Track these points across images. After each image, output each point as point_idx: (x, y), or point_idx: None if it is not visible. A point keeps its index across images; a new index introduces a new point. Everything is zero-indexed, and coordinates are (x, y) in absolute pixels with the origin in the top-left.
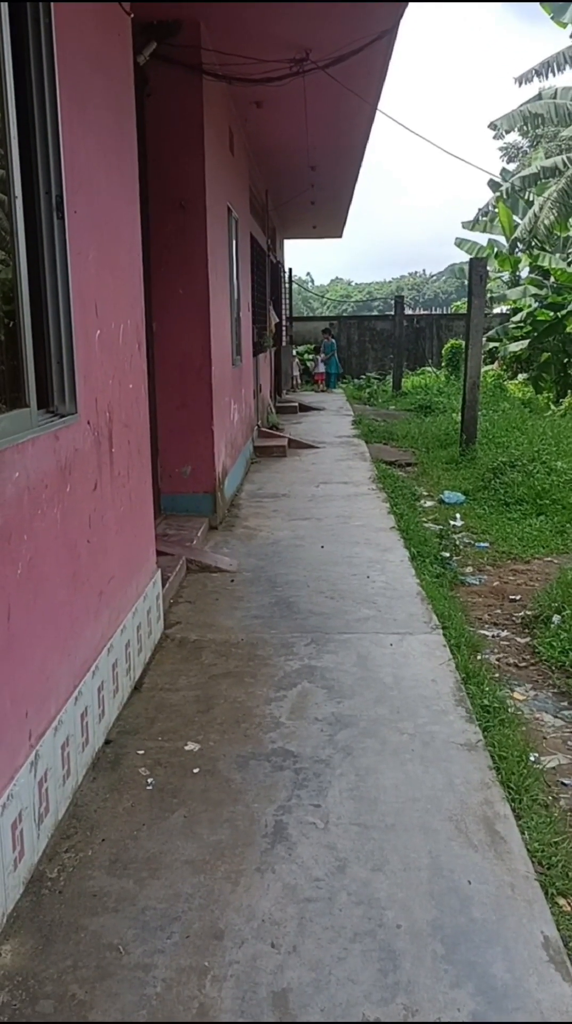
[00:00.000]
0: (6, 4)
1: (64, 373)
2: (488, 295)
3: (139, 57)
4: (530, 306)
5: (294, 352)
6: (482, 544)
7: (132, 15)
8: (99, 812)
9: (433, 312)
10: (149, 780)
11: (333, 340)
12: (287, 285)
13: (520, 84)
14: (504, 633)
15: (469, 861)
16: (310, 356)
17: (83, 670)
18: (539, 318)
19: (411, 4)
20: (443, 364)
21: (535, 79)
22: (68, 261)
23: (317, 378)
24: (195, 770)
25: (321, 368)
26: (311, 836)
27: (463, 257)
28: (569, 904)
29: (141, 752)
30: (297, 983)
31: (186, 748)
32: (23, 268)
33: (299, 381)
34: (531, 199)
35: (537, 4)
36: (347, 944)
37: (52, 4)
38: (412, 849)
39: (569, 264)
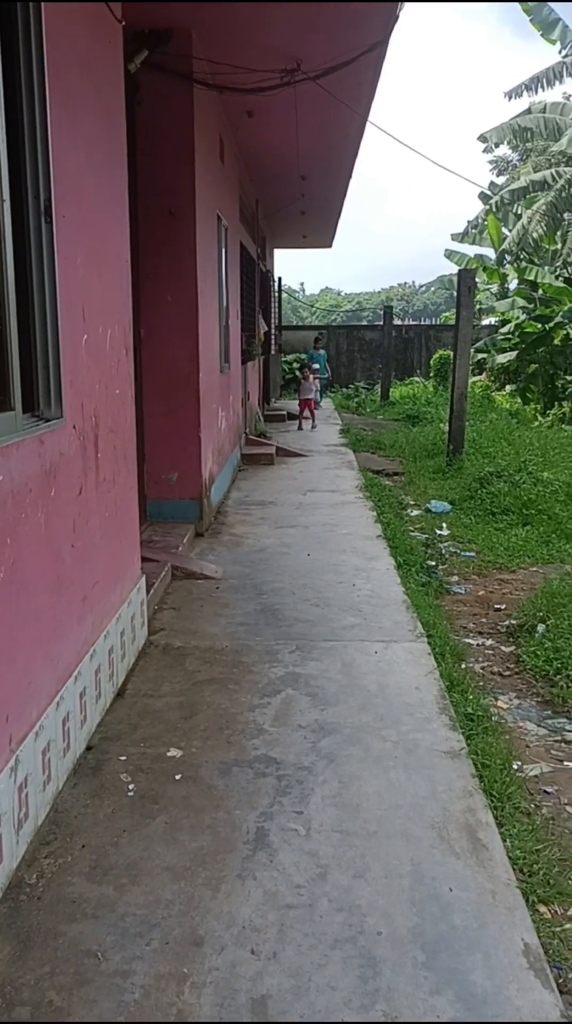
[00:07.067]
0: None
1: (50, 377)
2: (477, 307)
3: (130, 65)
4: (518, 318)
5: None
6: (468, 553)
7: (123, 22)
8: (79, 818)
9: (422, 323)
10: (130, 786)
11: (322, 352)
12: (277, 294)
13: (510, 98)
14: (489, 642)
15: (451, 868)
16: (301, 366)
17: (65, 675)
18: (527, 330)
19: (402, 17)
20: (431, 375)
21: (525, 93)
22: (56, 265)
23: (302, 405)
24: (177, 776)
25: (312, 393)
26: (293, 843)
27: (453, 269)
28: (550, 911)
29: (123, 758)
30: (277, 990)
31: (168, 754)
32: (10, 271)
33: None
34: (520, 212)
35: (528, 22)
36: (327, 951)
37: (43, 6)
38: (394, 856)
39: (557, 277)
